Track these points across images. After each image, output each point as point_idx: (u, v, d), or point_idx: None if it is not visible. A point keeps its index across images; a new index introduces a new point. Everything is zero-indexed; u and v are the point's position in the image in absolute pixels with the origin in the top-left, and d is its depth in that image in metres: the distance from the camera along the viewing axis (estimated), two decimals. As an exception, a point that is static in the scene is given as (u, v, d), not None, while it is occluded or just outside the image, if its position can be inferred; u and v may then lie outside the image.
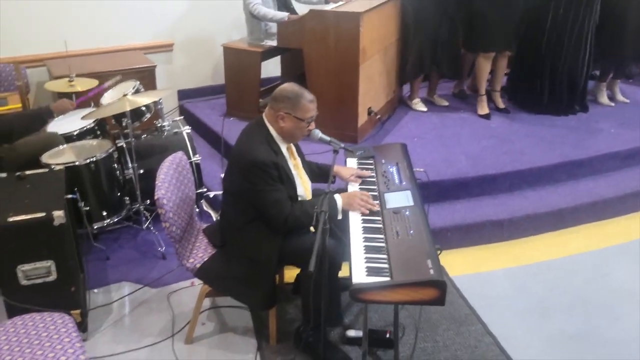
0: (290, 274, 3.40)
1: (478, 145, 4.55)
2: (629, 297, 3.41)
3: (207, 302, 3.31)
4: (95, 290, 3.46)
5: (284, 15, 4.72)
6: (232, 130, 4.87)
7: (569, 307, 3.32)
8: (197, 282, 3.52)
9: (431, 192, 3.89)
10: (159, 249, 3.78)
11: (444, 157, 4.34)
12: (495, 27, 4.84)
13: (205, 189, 4.19)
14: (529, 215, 3.96)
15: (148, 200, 3.93)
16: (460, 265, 3.68)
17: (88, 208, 3.61)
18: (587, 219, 4.11)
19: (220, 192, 4.19)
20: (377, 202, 2.81)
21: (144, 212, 3.93)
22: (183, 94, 5.74)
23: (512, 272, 3.65)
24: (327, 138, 2.82)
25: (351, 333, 3.00)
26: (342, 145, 2.83)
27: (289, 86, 2.76)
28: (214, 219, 4.09)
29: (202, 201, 4.22)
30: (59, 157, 3.66)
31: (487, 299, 3.39)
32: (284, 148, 2.79)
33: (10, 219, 2.78)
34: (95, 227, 3.75)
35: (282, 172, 2.70)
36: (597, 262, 3.72)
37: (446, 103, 5.43)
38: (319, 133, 2.82)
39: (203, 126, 5.15)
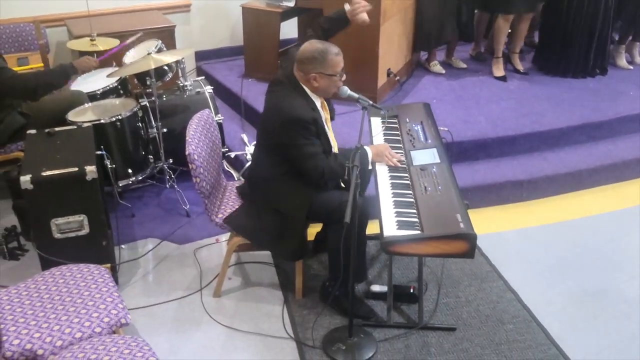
0: (310, 231, 3.45)
1: (497, 107, 4.56)
2: (647, 256, 3.46)
3: (232, 258, 3.37)
4: (123, 246, 3.53)
5: (303, -27, 4.69)
6: (250, 91, 4.90)
7: (588, 266, 3.38)
8: (222, 238, 3.61)
9: (451, 152, 3.92)
10: (184, 206, 3.83)
11: (464, 119, 4.35)
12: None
13: (226, 149, 4.23)
14: (548, 176, 4.00)
15: (171, 159, 3.98)
16: (480, 224, 3.65)
17: (114, 166, 3.65)
18: (606, 180, 4.15)
19: (241, 152, 4.25)
20: (404, 159, 2.85)
21: (168, 170, 3.98)
22: (200, 55, 5.74)
23: (531, 231, 3.70)
24: (356, 95, 2.84)
25: (375, 288, 3.07)
26: (370, 102, 2.86)
27: (311, 46, 2.75)
28: (235, 178, 4.14)
29: (224, 161, 4.27)
30: (84, 115, 3.70)
31: (508, 257, 3.44)
32: (318, 103, 2.83)
33: (44, 174, 2.84)
34: (120, 185, 3.80)
35: (319, 127, 2.75)
36: (616, 223, 3.77)
37: (464, 65, 5.41)
38: (347, 90, 2.84)
39: (221, 87, 5.16)
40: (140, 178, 3.92)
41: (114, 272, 3.16)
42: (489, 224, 3.76)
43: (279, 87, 2.83)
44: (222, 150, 4.13)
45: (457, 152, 4.00)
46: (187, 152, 2.76)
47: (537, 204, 3.97)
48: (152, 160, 4.00)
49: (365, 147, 2.79)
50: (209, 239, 3.62)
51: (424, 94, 4.83)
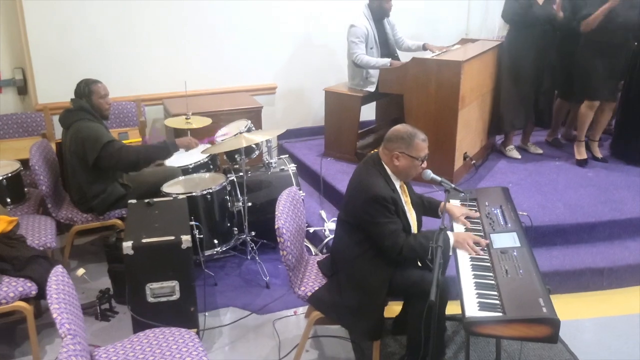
0: (391, 309, 3.52)
1: (575, 193, 4.57)
2: None
3: (311, 331, 3.46)
4: (206, 314, 3.68)
5: (386, 61, 4.95)
6: (329, 169, 5.11)
7: (674, 360, 3.27)
8: (300, 311, 3.71)
9: (529, 236, 3.94)
10: (264, 278, 3.99)
11: (541, 204, 4.37)
12: (601, 76, 4.85)
13: (306, 224, 4.39)
14: (630, 265, 3.93)
15: (254, 232, 4.18)
16: (559, 310, 3.63)
17: (202, 236, 3.87)
18: (690, 272, 4.03)
19: (320, 228, 4.41)
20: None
21: (250, 242, 4.17)
22: (282, 135, 6.03)
23: (612, 321, 3.62)
24: (438, 178, 2.97)
25: (452, 369, 3.07)
26: (453, 185, 2.97)
27: (402, 127, 2.94)
28: (313, 253, 4.27)
29: (303, 235, 4.43)
30: (177, 187, 3.98)
31: (587, 346, 3.37)
32: (397, 185, 2.96)
33: (144, 240, 3.07)
34: (206, 254, 4.01)
35: (398, 207, 2.86)
36: (702, 316, 3.64)
37: (540, 151, 5.47)
38: (430, 173, 2.98)
39: (301, 164, 5.40)
40: (225, 248, 4.12)
41: (199, 337, 3.30)
42: (568, 310, 3.70)
43: (365, 167, 2.98)
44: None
45: (535, 237, 3.99)
46: (276, 226, 2.93)
47: (618, 293, 3.88)
48: (236, 232, 4.21)
49: (448, 233, 2.86)
50: (287, 311, 3.73)
51: (499, 178, 4.89)
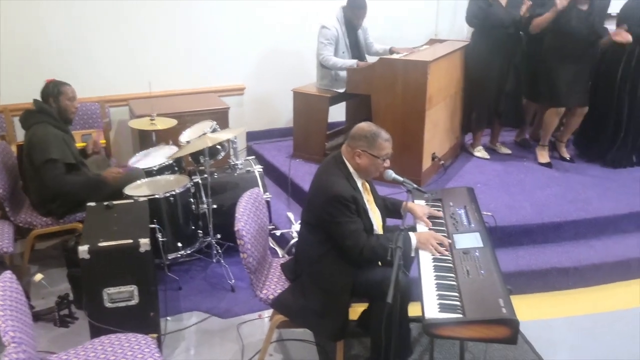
0: (355, 310, 3.47)
1: (542, 193, 4.58)
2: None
3: (274, 335, 3.40)
4: (169, 318, 3.61)
5: (353, 62, 4.92)
6: (298, 170, 5.07)
7: (637, 359, 3.27)
8: (265, 314, 3.66)
9: (494, 237, 3.92)
10: (229, 281, 3.92)
11: (508, 204, 4.38)
12: (564, 83, 4.86)
13: (273, 226, 4.34)
14: (595, 264, 3.95)
15: (219, 235, 4.11)
16: (524, 310, 3.65)
17: (165, 239, 3.79)
18: (655, 270, 4.06)
19: (287, 230, 4.36)
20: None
21: (215, 245, 4.10)
22: (251, 136, 6.00)
23: (578, 320, 3.63)
24: (400, 178, 2.94)
25: (416, 371, 3.05)
26: (415, 185, 2.94)
27: (366, 125, 2.91)
28: (280, 255, 4.22)
29: (269, 237, 4.37)
30: (140, 190, 3.90)
31: (553, 345, 3.37)
32: (359, 184, 2.92)
33: (101, 244, 2.99)
34: (170, 258, 3.93)
35: (360, 206, 2.83)
36: (667, 314, 3.67)
37: (509, 151, 5.48)
38: (392, 173, 2.94)
39: (270, 166, 5.35)
40: (189, 251, 4.05)
41: (158, 342, 3.22)
42: (534, 310, 3.71)
43: (326, 166, 2.95)
44: (270, 227, 4.27)
45: (501, 237, 4.00)
46: (236, 228, 2.87)
47: (584, 292, 3.90)
48: (201, 235, 4.14)
49: (411, 234, 2.83)
50: (252, 314, 3.67)
51: (468, 178, 4.89)
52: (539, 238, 4.14)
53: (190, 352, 3.37)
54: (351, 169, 2.90)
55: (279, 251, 4.32)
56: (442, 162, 4.92)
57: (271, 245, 4.38)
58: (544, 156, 5.19)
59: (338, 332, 2.90)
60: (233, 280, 3.93)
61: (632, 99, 4.96)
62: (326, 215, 2.80)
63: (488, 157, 5.35)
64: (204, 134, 3.97)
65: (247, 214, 3.00)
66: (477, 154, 5.39)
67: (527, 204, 4.37)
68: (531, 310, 3.69)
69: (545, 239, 4.15)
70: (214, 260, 4.13)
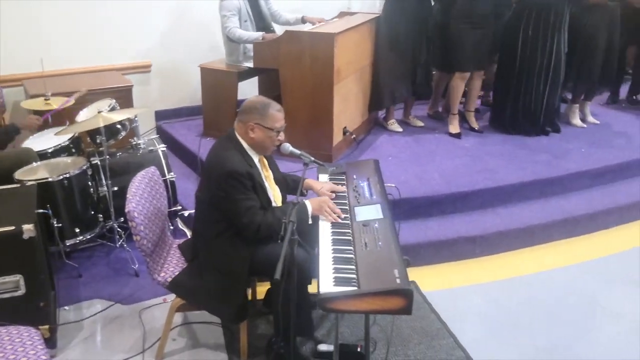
0: (262, 289, 3.40)
1: (451, 163, 4.62)
2: (598, 312, 3.45)
3: (178, 318, 3.29)
4: (67, 308, 3.42)
5: (258, 35, 4.77)
6: (208, 149, 4.89)
7: (539, 322, 3.35)
8: (169, 298, 3.51)
9: (404, 209, 3.94)
10: (133, 266, 3.76)
11: (418, 175, 4.39)
12: (470, 48, 4.93)
13: (180, 207, 4.19)
14: (500, 231, 4.02)
15: (122, 218, 3.93)
16: (432, 281, 3.71)
17: (60, 225, 3.58)
18: (558, 236, 4.17)
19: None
20: (347, 215, 2.84)
21: (118, 229, 3.92)
22: (160, 115, 5.77)
23: (484, 287, 3.68)
24: (297, 152, 2.86)
25: (322, 347, 3.00)
26: (312, 158, 2.87)
27: (256, 98, 2.83)
28: (188, 236, 4.08)
29: (177, 219, 4.22)
30: (33, 174, 3.65)
31: (459, 313, 3.41)
32: (256, 160, 2.83)
33: (-21, 233, 2.77)
34: (67, 244, 3.73)
35: (256, 182, 2.73)
36: (567, 278, 3.77)
37: (421, 124, 5.51)
38: (289, 147, 2.86)
39: (180, 146, 5.18)
40: (89, 237, 3.85)
41: (52, 334, 3.05)
42: (442, 280, 3.74)
43: (219, 143, 2.84)
44: (175, 208, 4.12)
45: (410, 209, 4.02)
46: (127, 210, 2.73)
47: (489, 260, 3.97)
48: (101, 219, 3.94)
49: (305, 201, 2.77)
50: (156, 299, 3.53)
51: (380, 151, 4.88)
52: (448, 208, 4.18)
53: (89, 341, 3.20)
54: (245, 145, 2.80)
55: (188, 232, 4.17)
56: (354, 136, 4.88)
57: (180, 226, 4.24)
58: (454, 126, 5.25)
59: (238, 313, 2.82)
60: (137, 265, 3.77)
61: (531, 66, 5.05)
62: (221, 192, 2.69)
63: (401, 130, 5.35)
64: (99, 112, 3.76)
65: (139, 195, 2.86)
66: (390, 127, 5.39)
67: (436, 175, 4.40)
68: (438, 280, 3.73)
69: (454, 209, 4.19)
70: (117, 245, 3.95)
